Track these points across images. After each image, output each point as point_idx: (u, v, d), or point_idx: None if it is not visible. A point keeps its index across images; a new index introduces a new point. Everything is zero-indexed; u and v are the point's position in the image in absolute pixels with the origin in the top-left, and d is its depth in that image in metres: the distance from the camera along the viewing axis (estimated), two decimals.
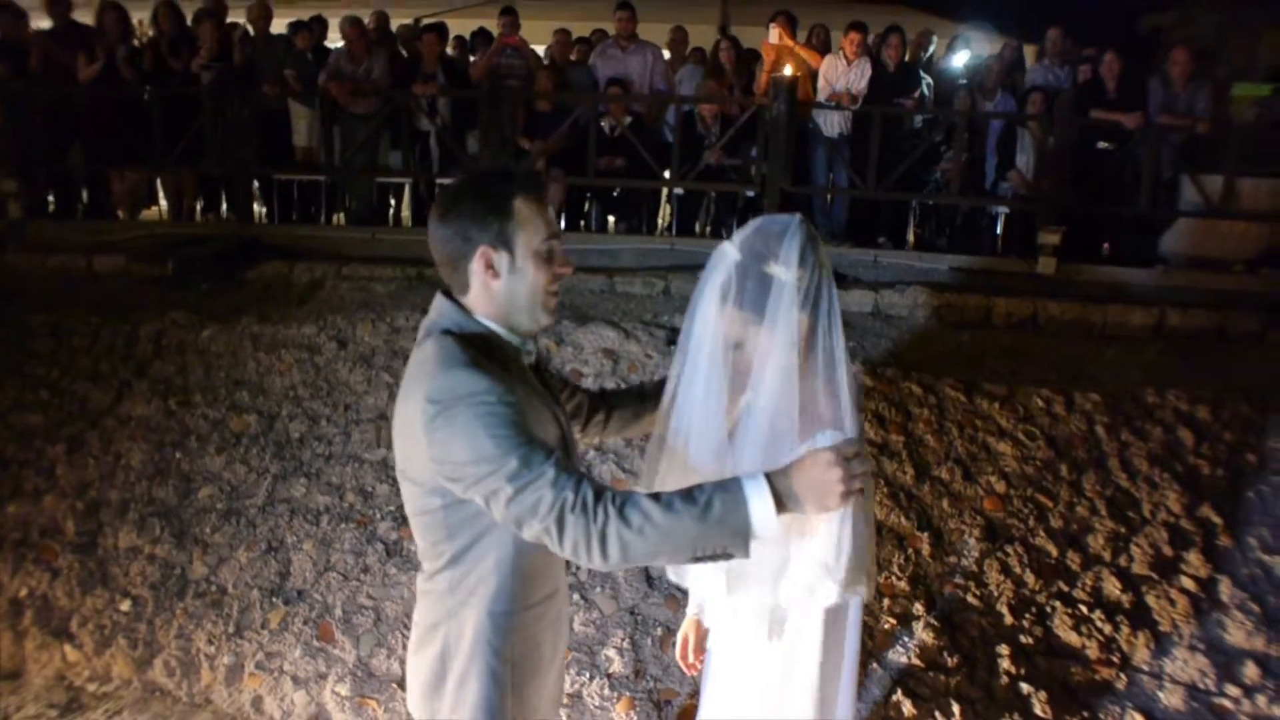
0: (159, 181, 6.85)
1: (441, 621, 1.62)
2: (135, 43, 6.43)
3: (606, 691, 3.02)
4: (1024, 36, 7.21)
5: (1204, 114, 5.94)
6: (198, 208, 6.68)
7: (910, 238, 6.91)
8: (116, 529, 3.56)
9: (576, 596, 3.29)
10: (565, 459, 1.46)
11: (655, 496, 1.38)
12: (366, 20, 6.55)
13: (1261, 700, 3.03)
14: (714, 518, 1.34)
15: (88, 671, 3.24)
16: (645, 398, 1.91)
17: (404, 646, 3.19)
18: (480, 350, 1.50)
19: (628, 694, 3.02)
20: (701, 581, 1.81)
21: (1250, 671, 3.11)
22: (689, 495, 1.36)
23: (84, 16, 6.41)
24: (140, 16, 6.64)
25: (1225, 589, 3.38)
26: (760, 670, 1.70)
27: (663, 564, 1.62)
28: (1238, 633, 3.23)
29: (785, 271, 1.50)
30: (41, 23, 6.39)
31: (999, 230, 6.79)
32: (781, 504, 1.35)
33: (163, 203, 6.92)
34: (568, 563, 1.73)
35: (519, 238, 1.51)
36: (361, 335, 4.55)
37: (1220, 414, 4.14)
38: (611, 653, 3.13)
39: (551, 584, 1.68)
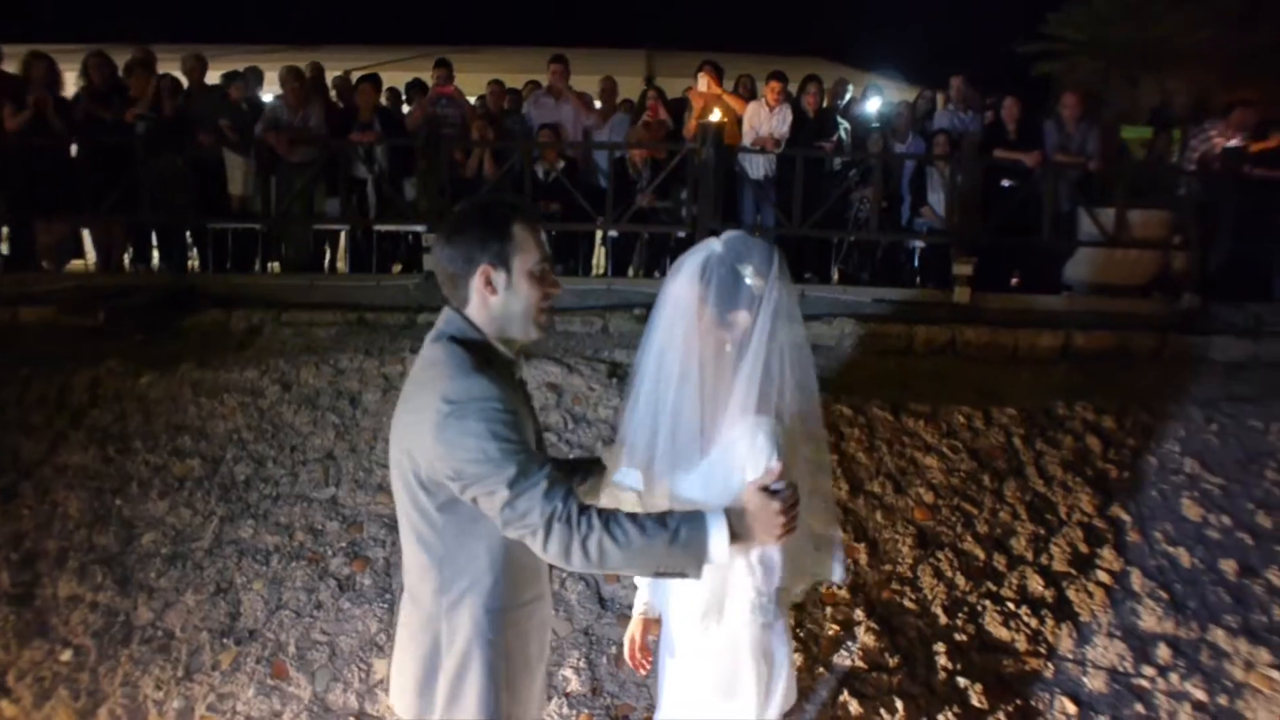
0: (86, 233, 6.72)
1: (432, 621, 1.72)
2: (64, 94, 6.38)
3: (565, 710, 3.08)
4: (930, 85, 7.73)
5: (1094, 152, 6.48)
6: (127, 259, 6.57)
7: (835, 274, 7.25)
8: (55, 578, 3.48)
9: None
10: (555, 471, 1.61)
11: (633, 517, 1.58)
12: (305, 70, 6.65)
13: (1174, 678, 3.28)
14: (680, 543, 1.57)
15: None
16: (590, 470, 2.02)
17: (360, 680, 3.20)
18: (483, 358, 1.65)
19: (586, 711, 3.08)
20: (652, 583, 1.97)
21: (1163, 653, 3.37)
22: (662, 521, 1.59)
23: (11, 66, 6.33)
24: (67, 67, 6.57)
25: (1136, 580, 3.65)
26: (707, 663, 1.83)
27: (627, 574, 1.78)
28: (1150, 618, 3.49)
29: (752, 274, 1.68)
30: None
31: (917, 263, 7.18)
32: (735, 535, 1.60)
33: (90, 255, 6.79)
34: (551, 571, 1.85)
35: (516, 258, 1.67)
36: (305, 378, 4.56)
37: (1124, 422, 4.48)
38: (569, 672, 3.19)
39: (539, 587, 1.80)
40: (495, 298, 1.68)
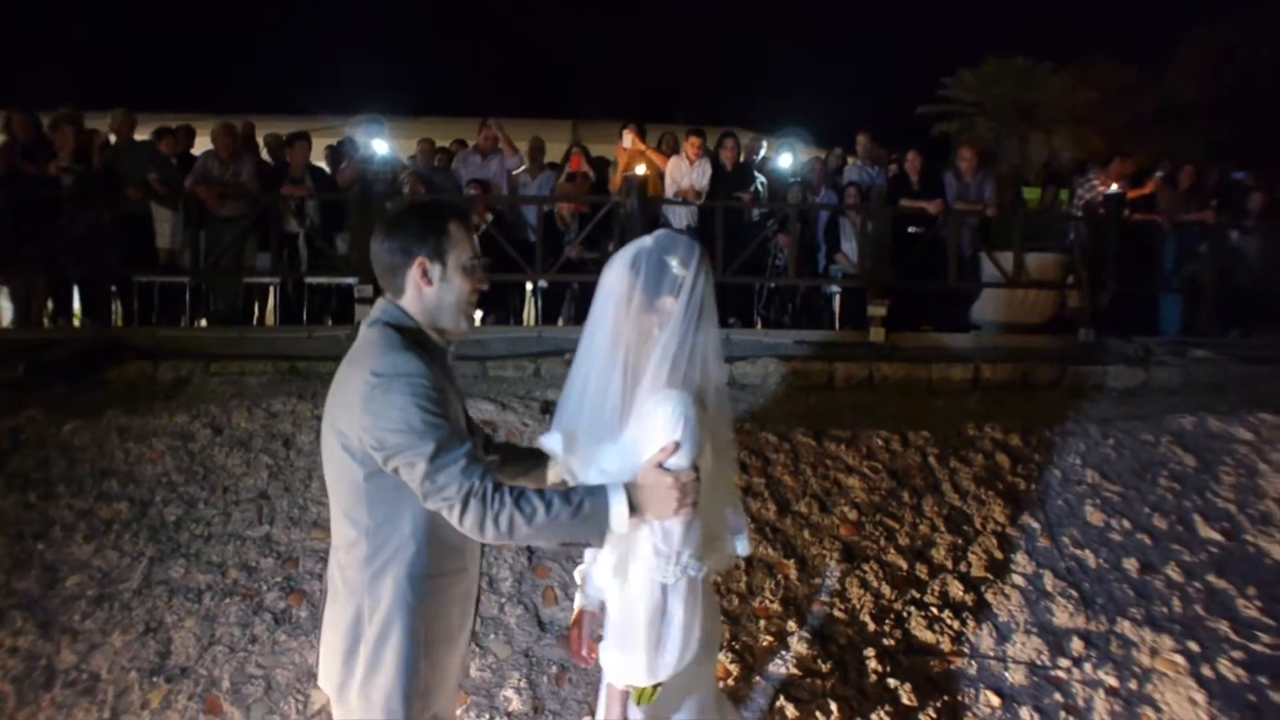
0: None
1: (356, 592, 1.80)
2: None
3: None
4: (839, 144, 8.26)
5: (991, 200, 7.00)
6: (46, 313, 6.42)
7: (757, 320, 7.56)
8: None
9: (475, 647, 3.37)
10: (474, 450, 1.72)
11: (541, 493, 1.70)
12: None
13: (1088, 668, 3.48)
14: (583, 515, 1.71)
15: None
16: (536, 460, 2.13)
17: (298, 711, 3.15)
18: (415, 342, 1.78)
19: None
20: (594, 573, 2.04)
21: (1076, 645, 3.57)
22: (567, 496, 1.72)
23: None
24: None
25: (1049, 581, 3.87)
26: (612, 618, 1.91)
27: (537, 544, 1.90)
28: (1063, 615, 3.70)
29: (677, 264, 1.85)
30: None
31: (835, 307, 7.55)
32: (633, 509, 1.72)
33: (3, 312, 6.62)
34: (482, 550, 1.94)
35: (451, 253, 1.83)
36: (237, 422, 4.54)
37: (1030, 440, 4.79)
38: (510, 693, 3.21)
39: (463, 560, 1.89)
40: (430, 289, 1.82)
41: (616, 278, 1.89)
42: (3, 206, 5.77)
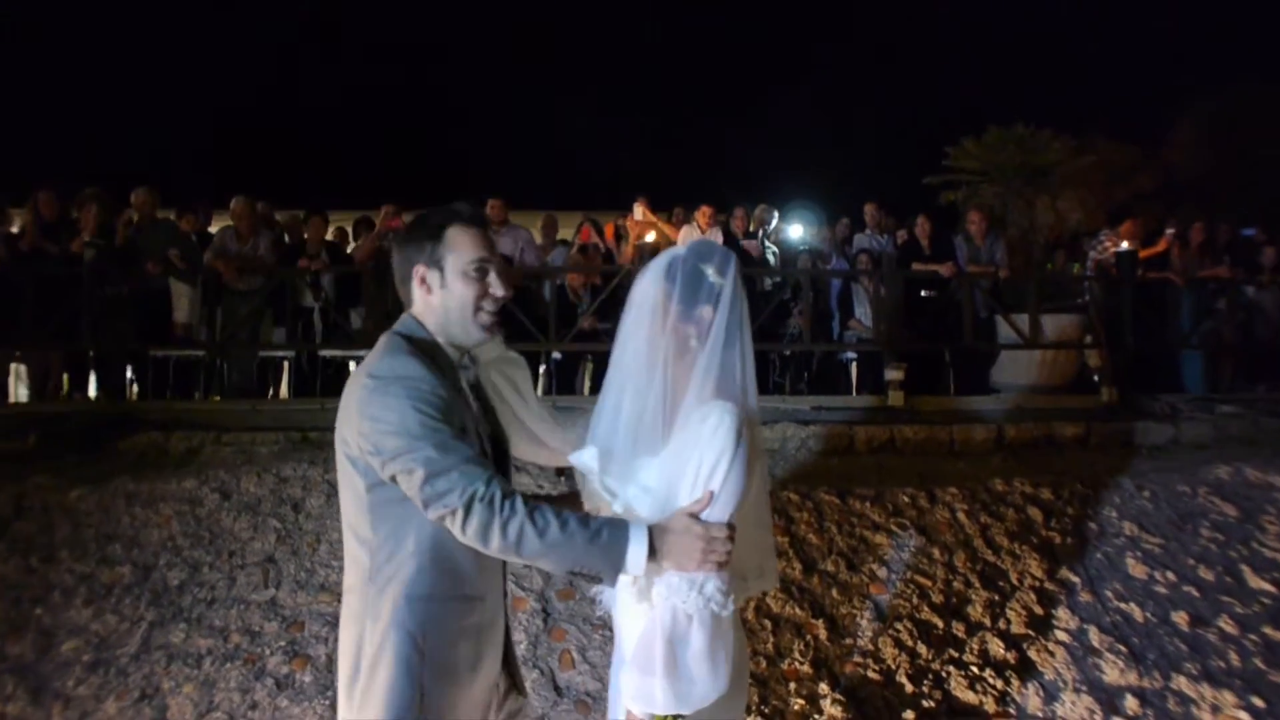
0: (15, 366, 6.58)
1: (358, 613, 1.68)
2: (12, 228, 6.45)
3: None
4: (846, 215, 8.34)
5: (1002, 262, 7.00)
6: (63, 387, 6.42)
7: (773, 388, 7.47)
8: None
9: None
10: (480, 455, 1.63)
11: (558, 511, 1.58)
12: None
13: None
14: (600, 545, 1.57)
15: None
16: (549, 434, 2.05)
17: None
18: (425, 353, 1.71)
19: None
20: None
21: (1131, 703, 3.34)
22: (585, 520, 1.58)
23: None
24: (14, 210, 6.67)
25: (1094, 636, 3.66)
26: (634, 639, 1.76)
27: (544, 566, 1.72)
28: (1113, 671, 3.48)
29: (714, 273, 1.80)
30: None
31: (852, 373, 7.47)
32: (653, 551, 1.58)
33: (14, 384, 6.62)
34: (504, 587, 1.81)
35: (448, 259, 1.75)
36: (246, 487, 4.45)
37: (1061, 494, 4.62)
38: None
39: (476, 588, 1.73)
40: (431, 297, 1.76)
41: (651, 286, 1.81)
42: (25, 283, 5.84)
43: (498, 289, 1.79)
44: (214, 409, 6.03)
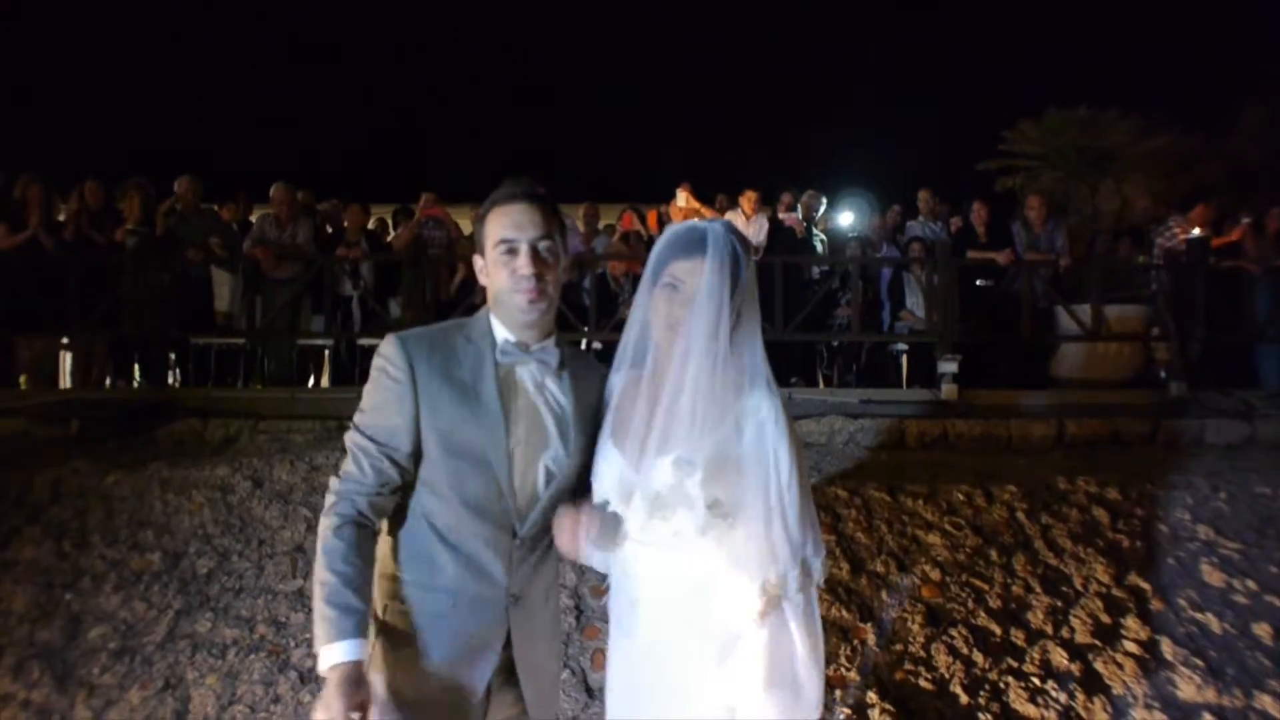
0: (62, 352, 6.66)
1: None
2: (59, 217, 6.52)
3: None
4: (899, 203, 8.04)
5: (1063, 250, 6.64)
6: (107, 375, 6.48)
7: (820, 381, 7.23)
8: None
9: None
10: (382, 459, 1.61)
11: (349, 552, 1.56)
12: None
13: None
14: (322, 610, 1.50)
15: None
16: None
17: None
18: (460, 332, 1.72)
19: None
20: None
21: None
22: (345, 577, 1.53)
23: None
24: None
25: (1167, 648, 3.39)
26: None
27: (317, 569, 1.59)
28: (1188, 688, 3.21)
29: (744, 253, 1.67)
30: None
31: (903, 365, 7.19)
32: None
33: (63, 371, 6.71)
34: (506, 608, 1.68)
35: (486, 243, 1.71)
36: (279, 475, 4.39)
37: (1129, 494, 4.33)
38: None
39: (446, 579, 1.64)
40: (485, 280, 1.73)
41: (703, 269, 1.62)
42: (70, 271, 5.89)
43: (525, 269, 1.66)
44: (253, 397, 6.01)
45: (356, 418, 1.66)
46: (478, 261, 1.75)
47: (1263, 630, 3.49)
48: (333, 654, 1.46)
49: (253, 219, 6.92)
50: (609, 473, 1.69)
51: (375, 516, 1.62)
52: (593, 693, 3.20)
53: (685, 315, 1.61)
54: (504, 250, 1.67)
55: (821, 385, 7.27)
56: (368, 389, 1.66)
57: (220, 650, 3.28)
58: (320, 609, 1.50)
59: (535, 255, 1.67)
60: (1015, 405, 6.15)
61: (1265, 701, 3.16)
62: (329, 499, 1.61)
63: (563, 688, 3.19)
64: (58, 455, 4.80)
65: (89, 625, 3.39)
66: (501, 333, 1.71)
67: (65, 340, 6.51)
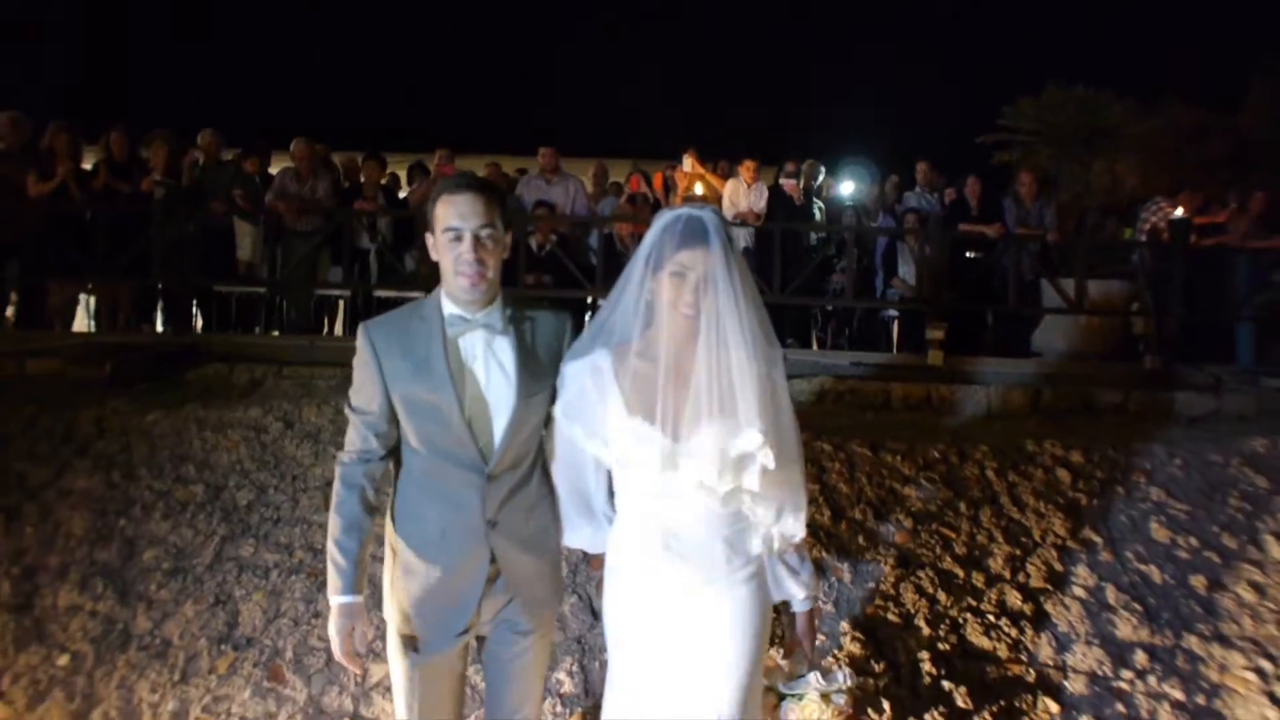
0: (85, 297, 6.95)
1: None
2: (84, 165, 6.76)
3: (559, 709, 3.14)
4: (898, 173, 8.29)
5: (1052, 226, 6.93)
6: (128, 321, 6.79)
7: (814, 343, 7.56)
8: (55, 590, 3.53)
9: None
10: (368, 427, 2.01)
11: (351, 509, 1.99)
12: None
13: (1152, 680, 3.38)
14: (332, 554, 2.00)
15: None
16: None
17: (356, 683, 3.24)
18: (415, 314, 2.02)
19: (579, 709, 3.14)
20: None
21: (1140, 658, 3.47)
22: (350, 530, 1.99)
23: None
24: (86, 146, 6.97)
25: (1111, 594, 3.78)
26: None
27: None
28: (1125, 628, 3.60)
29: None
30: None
31: (894, 331, 7.52)
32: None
33: (83, 315, 7.00)
34: (486, 533, 1.99)
35: (435, 227, 1.96)
36: (307, 416, 4.73)
37: (1092, 458, 4.69)
38: (562, 676, 3.25)
39: (434, 514, 2.00)
40: (435, 257, 1.99)
41: (714, 257, 1.80)
42: (98, 220, 6.16)
43: (465, 254, 1.92)
44: (274, 343, 6.33)
45: (349, 395, 2.04)
46: (429, 239, 1.99)
47: (1198, 581, 3.87)
48: (334, 600, 1.98)
49: (272, 171, 7.17)
50: (648, 447, 1.83)
51: (373, 482, 2.01)
52: (596, 615, 3.57)
53: (696, 300, 1.79)
54: (451, 237, 1.92)
55: (815, 347, 7.62)
56: (354, 372, 2.02)
57: (264, 572, 3.65)
58: (329, 565, 1.99)
59: (477, 243, 1.92)
60: (997, 373, 6.49)
61: (1192, 641, 3.55)
62: (338, 470, 2.03)
63: (571, 610, 3.57)
64: (94, 395, 5.11)
65: (143, 548, 3.75)
66: (449, 308, 1.98)
67: (90, 286, 6.80)
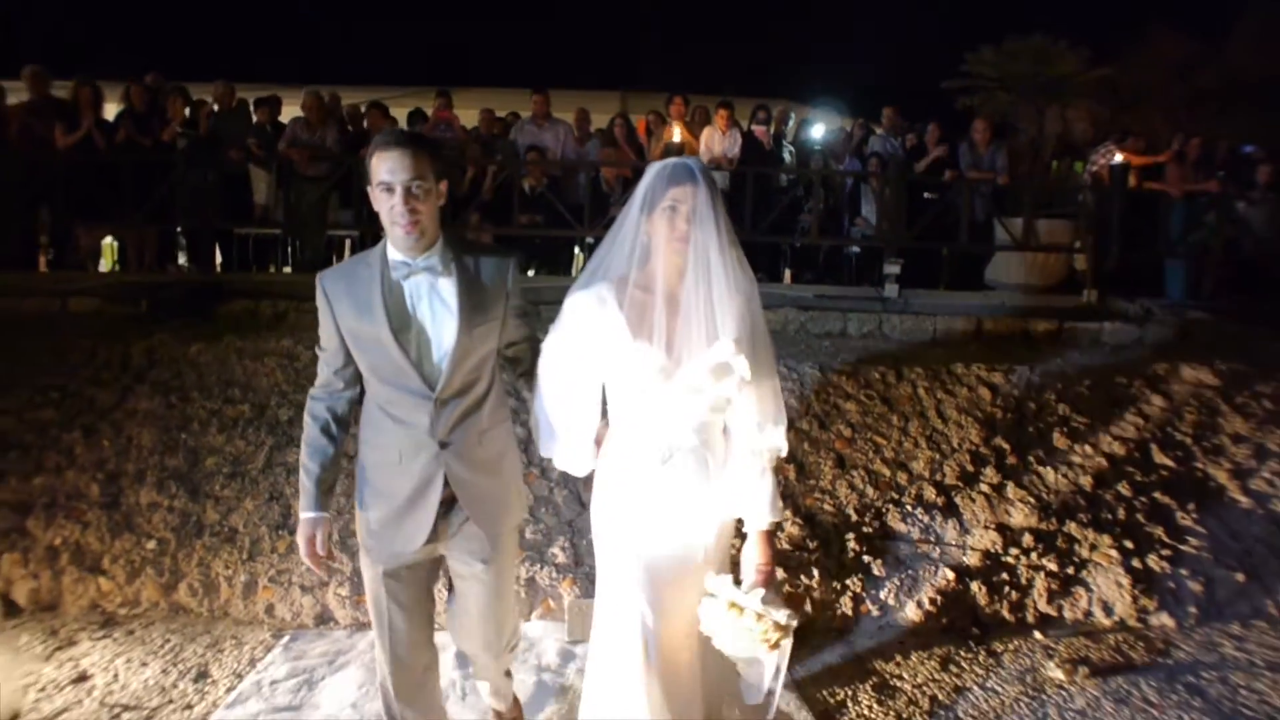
0: (107, 242, 7.52)
1: None
2: (105, 117, 7.26)
3: (554, 575, 3.92)
4: (866, 116, 8.84)
5: (1002, 169, 7.54)
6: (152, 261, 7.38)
7: (784, 277, 8.23)
8: (137, 490, 4.26)
9: (529, 516, 4.17)
10: (329, 365, 2.31)
11: (320, 432, 2.29)
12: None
13: (1034, 556, 4.17)
14: (301, 477, 2.29)
15: (119, 598, 3.89)
16: None
17: None
18: (363, 261, 2.25)
19: (570, 576, 3.92)
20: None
21: (1027, 539, 4.26)
22: (314, 455, 2.27)
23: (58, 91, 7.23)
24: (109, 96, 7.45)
25: (1011, 490, 4.55)
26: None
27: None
28: (1019, 516, 4.39)
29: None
30: (20, 96, 7.14)
31: (855, 266, 8.18)
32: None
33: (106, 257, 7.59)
34: (438, 453, 2.23)
35: (372, 179, 2.14)
36: None
37: (1011, 379, 5.43)
38: (556, 550, 4.03)
39: (391, 438, 2.25)
40: (376, 208, 2.18)
41: (703, 186, 2.06)
42: (124, 167, 6.70)
43: (397, 205, 2.09)
44: (291, 280, 6.97)
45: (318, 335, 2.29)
46: (369, 191, 2.15)
47: (1086, 481, 4.65)
48: (301, 515, 2.28)
49: (283, 120, 7.68)
50: (647, 364, 2.11)
51: (334, 414, 2.29)
52: (583, 504, 4.32)
53: (688, 229, 2.04)
54: (383, 189, 2.09)
55: (787, 280, 8.29)
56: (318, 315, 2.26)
57: None
58: (300, 485, 2.28)
59: (408, 194, 2.08)
60: (946, 304, 7.19)
61: (1072, 527, 4.34)
62: (308, 403, 2.32)
63: (563, 500, 4.32)
64: (137, 330, 5.76)
65: (204, 456, 4.48)
66: (393, 254, 2.17)
67: (116, 229, 7.38)
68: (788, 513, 4.34)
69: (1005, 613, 3.99)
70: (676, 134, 7.18)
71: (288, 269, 7.76)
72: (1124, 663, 3.60)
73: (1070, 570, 4.15)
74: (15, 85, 7.20)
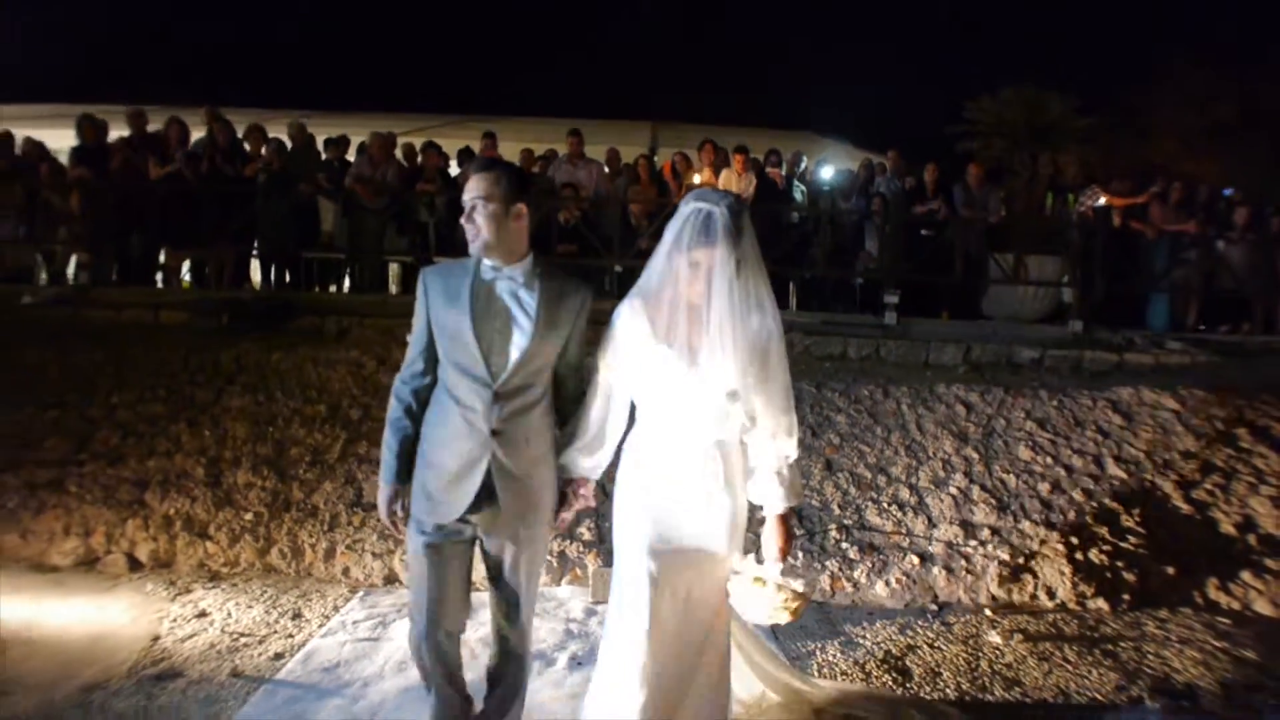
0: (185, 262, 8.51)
1: None
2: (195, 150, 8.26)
3: (581, 549, 4.69)
4: (874, 151, 9.62)
5: (995, 210, 8.28)
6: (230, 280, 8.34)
7: (792, 303, 8.99)
8: (234, 472, 5.11)
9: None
10: (416, 347, 2.52)
11: (403, 415, 2.53)
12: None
13: (990, 547, 4.87)
14: (384, 455, 2.57)
15: (223, 559, 4.73)
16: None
17: None
18: (460, 264, 2.49)
19: (594, 550, 4.69)
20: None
21: (985, 534, 4.96)
22: (395, 433, 2.53)
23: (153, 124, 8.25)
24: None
25: (976, 493, 5.25)
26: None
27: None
28: (980, 514, 5.09)
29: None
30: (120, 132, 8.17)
31: (859, 296, 8.93)
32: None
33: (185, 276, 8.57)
34: (488, 439, 2.42)
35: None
36: (395, 357, 6.25)
37: (986, 398, 6.14)
38: (584, 530, 4.81)
39: (452, 416, 2.44)
40: None
41: (720, 245, 2.33)
42: (209, 197, 7.66)
43: (466, 220, 2.42)
44: (353, 300, 7.87)
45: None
46: None
47: (1044, 487, 5.34)
48: (381, 484, 2.56)
49: (349, 157, 8.64)
50: (670, 367, 2.41)
51: (416, 395, 2.50)
52: (607, 492, 5.09)
53: (705, 288, 2.36)
54: (468, 207, 2.42)
55: (794, 308, 9.04)
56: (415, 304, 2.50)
57: (376, 463, 5.20)
58: (382, 458, 2.55)
59: (474, 211, 2.39)
60: (941, 332, 7.91)
61: (1025, 525, 5.04)
62: (394, 388, 2.53)
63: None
64: (220, 340, 6.66)
65: (289, 446, 5.33)
66: (486, 261, 2.43)
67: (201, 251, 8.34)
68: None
69: (961, 594, 4.69)
70: (696, 179, 8.00)
71: (345, 289, 8.67)
72: (1056, 634, 4.29)
73: (1020, 560, 4.84)
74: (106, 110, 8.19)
